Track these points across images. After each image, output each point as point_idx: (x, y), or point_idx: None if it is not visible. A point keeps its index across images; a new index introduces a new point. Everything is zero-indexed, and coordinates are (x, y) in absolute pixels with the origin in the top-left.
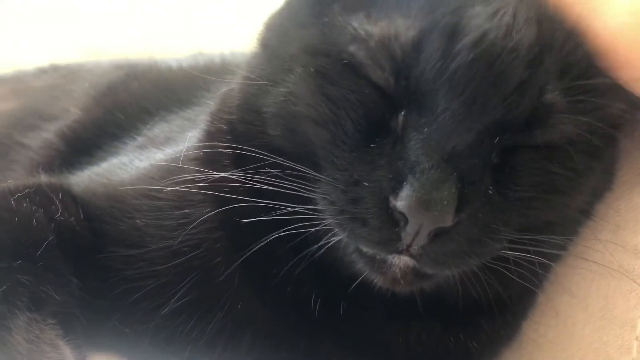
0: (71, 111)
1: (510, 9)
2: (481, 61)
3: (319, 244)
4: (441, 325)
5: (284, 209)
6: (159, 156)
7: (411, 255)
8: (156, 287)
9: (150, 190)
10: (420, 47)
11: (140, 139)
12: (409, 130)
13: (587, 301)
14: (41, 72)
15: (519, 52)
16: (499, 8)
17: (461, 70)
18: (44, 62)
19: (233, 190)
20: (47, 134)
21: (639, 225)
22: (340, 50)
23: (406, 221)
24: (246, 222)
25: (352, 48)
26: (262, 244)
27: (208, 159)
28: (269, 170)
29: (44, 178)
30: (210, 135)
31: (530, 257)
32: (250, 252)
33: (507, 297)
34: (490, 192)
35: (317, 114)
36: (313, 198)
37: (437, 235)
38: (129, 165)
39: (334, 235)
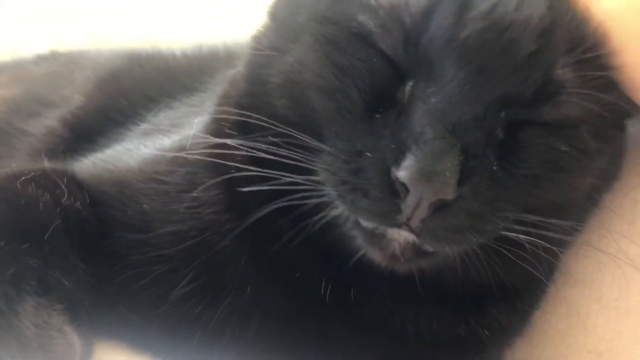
0: (74, 98)
1: None
2: (492, 31)
3: (318, 216)
4: (451, 312)
5: (285, 179)
6: (165, 142)
7: (411, 230)
8: (164, 273)
9: (158, 174)
10: (431, 15)
11: (144, 126)
12: (415, 101)
13: (601, 292)
14: (41, 59)
15: (529, 23)
16: None
17: (472, 38)
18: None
19: (235, 158)
20: (49, 121)
21: None
22: (349, 19)
23: (407, 193)
24: (250, 196)
25: (361, 17)
26: (262, 213)
27: (214, 132)
28: (273, 139)
29: (48, 163)
30: (217, 119)
31: (533, 240)
32: (252, 226)
33: (509, 282)
34: (494, 167)
35: (324, 82)
36: (314, 169)
37: (438, 209)
38: (134, 151)
39: (334, 208)
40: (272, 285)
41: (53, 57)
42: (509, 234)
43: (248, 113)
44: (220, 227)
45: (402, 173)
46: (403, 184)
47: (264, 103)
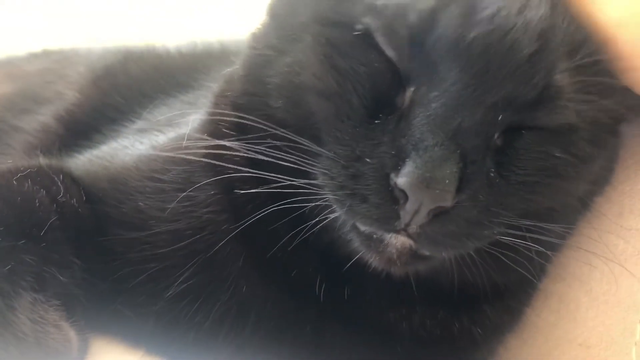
0: (68, 94)
1: None
2: (496, 34)
3: (315, 220)
4: (444, 310)
5: (283, 182)
6: (161, 139)
7: (409, 235)
8: (160, 270)
9: (154, 172)
10: (438, 16)
11: (140, 123)
12: (415, 106)
13: (591, 285)
14: (33, 57)
15: (530, 25)
16: None
17: (478, 40)
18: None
19: (232, 159)
20: (44, 117)
21: None
22: (353, 20)
23: (406, 199)
24: (248, 198)
25: (366, 19)
26: (259, 215)
27: (211, 133)
28: (270, 141)
29: (44, 160)
30: (215, 119)
31: (528, 244)
32: (250, 227)
33: (502, 285)
34: (492, 174)
35: (323, 86)
36: (313, 173)
37: (437, 215)
38: (130, 148)
39: (332, 212)
40: (268, 285)
41: (45, 55)
42: (504, 238)
43: (245, 115)
44: (217, 227)
45: (402, 180)
46: (402, 191)
47: (262, 104)
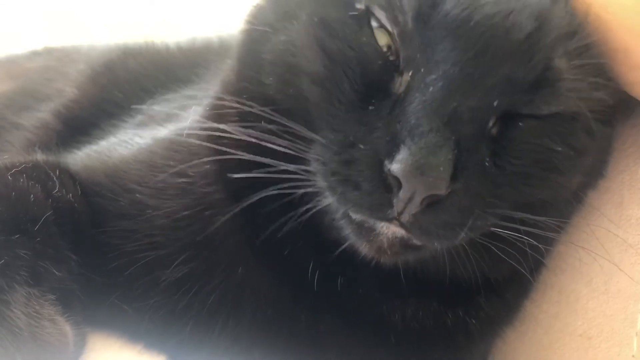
0: (67, 91)
1: None
2: (499, 15)
3: (307, 207)
4: (437, 302)
5: (276, 166)
6: (161, 132)
7: (401, 225)
8: (156, 259)
9: (153, 161)
10: None
11: (140, 117)
12: (411, 91)
13: (591, 275)
14: (34, 54)
15: (528, 7)
16: None
17: (483, 21)
18: None
19: (229, 144)
20: (43, 114)
21: None
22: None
23: (399, 187)
24: (244, 181)
25: None
26: (252, 200)
27: (211, 117)
28: (267, 126)
29: (40, 156)
30: (216, 104)
31: (521, 237)
32: (245, 211)
33: (493, 277)
34: (486, 163)
35: (315, 69)
36: (306, 158)
37: (430, 205)
38: (129, 142)
39: (324, 198)
40: (263, 270)
41: (47, 52)
42: (497, 230)
43: (241, 100)
44: (213, 204)
45: (396, 166)
46: (396, 178)
47: (255, 79)
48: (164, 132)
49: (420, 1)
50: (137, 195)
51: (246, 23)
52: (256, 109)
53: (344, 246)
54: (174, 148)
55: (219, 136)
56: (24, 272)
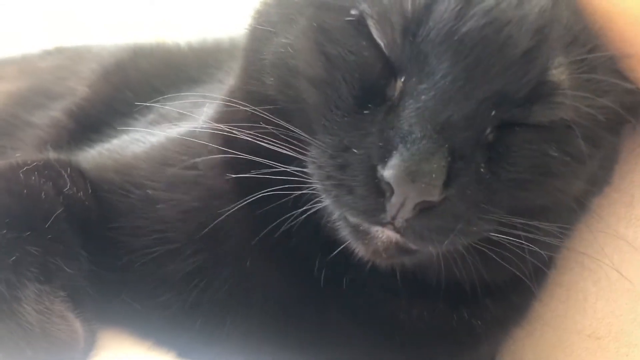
0: (78, 89)
1: None
2: (491, 27)
3: (305, 207)
4: (443, 303)
5: (276, 167)
6: (173, 130)
7: (395, 229)
8: (165, 253)
9: (165, 159)
10: (433, 6)
11: (151, 116)
12: (405, 97)
13: (599, 275)
14: (47, 53)
15: (526, 20)
16: None
17: (471, 33)
18: None
19: (235, 145)
20: (55, 113)
21: None
22: (350, 6)
23: (392, 192)
24: (250, 182)
25: (363, 5)
26: (249, 200)
27: (218, 119)
28: (264, 127)
29: (52, 154)
30: (224, 105)
31: (520, 242)
32: (249, 209)
33: (491, 282)
34: (482, 170)
35: (313, 73)
36: (304, 160)
37: (423, 210)
38: (141, 139)
39: (321, 200)
40: (270, 264)
41: (59, 52)
42: (495, 235)
43: (240, 102)
44: (221, 195)
45: (388, 172)
46: (388, 183)
47: (257, 79)
48: (175, 131)
49: (407, 18)
50: (148, 190)
51: (252, 19)
52: (257, 111)
53: (340, 247)
54: (186, 145)
55: (224, 137)
56: (35, 268)
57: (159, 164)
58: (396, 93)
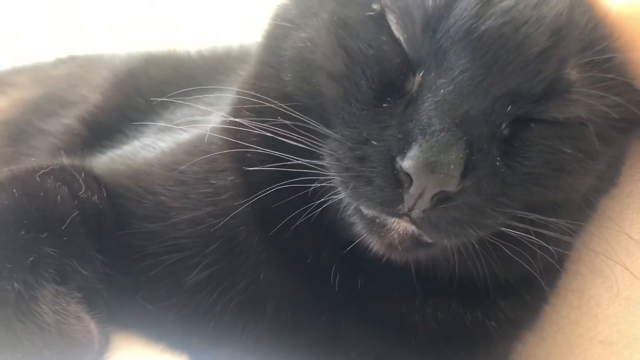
0: (91, 97)
1: None
2: (510, 26)
3: (320, 201)
4: (456, 303)
5: (291, 160)
6: (183, 136)
7: (412, 220)
8: (179, 260)
9: (176, 164)
10: (454, 4)
11: (162, 123)
12: (424, 91)
13: (611, 281)
14: (60, 62)
15: (544, 21)
16: None
17: (490, 31)
18: None
19: (250, 139)
20: (68, 120)
21: None
22: (371, 0)
23: (410, 183)
24: (262, 179)
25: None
26: (269, 193)
27: (231, 114)
28: (280, 119)
29: (66, 159)
30: (238, 100)
31: (530, 237)
32: (263, 209)
33: (503, 279)
34: (497, 163)
35: (333, 67)
36: (320, 153)
37: (440, 201)
38: (152, 146)
39: (336, 193)
40: (284, 273)
41: (71, 60)
42: (507, 230)
43: (258, 95)
44: (235, 212)
45: (407, 163)
46: (407, 174)
47: (275, 75)
48: (185, 136)
49: (428, 14)
50: (161, 197)
51: (270, 23)
52: (274, 105)
53: (355, 242)
54: (196, 152)
55: (238, 131)
56: (52, 269)
57: (170, 171)
58: (415, 87)
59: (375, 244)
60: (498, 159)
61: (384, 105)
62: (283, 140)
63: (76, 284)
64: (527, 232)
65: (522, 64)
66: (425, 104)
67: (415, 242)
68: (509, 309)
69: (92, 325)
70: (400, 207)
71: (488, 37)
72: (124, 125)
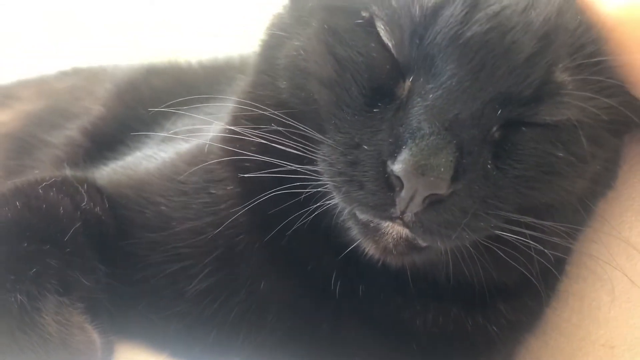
0: (93, 109)
1: None
2: (496, 31)
3: (315, 205)
4: (457, 308)
5: (286, 167)
6: (184, 146)
7: (404, 224)
8: (181, 270)
9: (176, 174)
10: (440, 11)
11: (163, 133)
12: (413, 96)
13: (613, 283)
14: (63, 74)
15: (532, 27)
16: None
17: (476, 37)
18: None
19: (248, 147)
20: (71, 132)
21: None
22: (360, 8)
23: (402, 186)
24: (260, 187)
25: (373, 7)
26: (262, 198)
27: (229, 122)
28: (274, 126)
29: (69, 171)
30: (236, 108)
31: (526, 241)
32: (260, 216)
33: (501, 283)
34: (488, 166)
35: (324, 74)
36: (314, 159)
37: (432, 204)
38: (153, 156)
39: (330, 198)
40: (285, 281)
41: (74, 72)
42: (502, 233)
43: (255, 103)
44: (234, 221)
45: (397, 166)
46: (398, 178)
47: (270, 83)
48: (186, 146)
49: (415, 21)
50: (162, 207)
51: (265, 33)
52: (269, 112)
53: (351, 247)
54: (195, 162)
55: (237, 139)
56: (55, 280)
57: (171, 182)
58: (405, 92)
59: (370, 248)
60: (489, 162)
61: (374, 110)
62: (278, 147)
63: (79, 294)
64: (523, 235)
65: (510, 68)
66: (415, 108)
67: (410, 245)
68: (510, 313)
69: (95, 336)
70: (392, 210)
71: (474, 42)
72: (126, 136)
